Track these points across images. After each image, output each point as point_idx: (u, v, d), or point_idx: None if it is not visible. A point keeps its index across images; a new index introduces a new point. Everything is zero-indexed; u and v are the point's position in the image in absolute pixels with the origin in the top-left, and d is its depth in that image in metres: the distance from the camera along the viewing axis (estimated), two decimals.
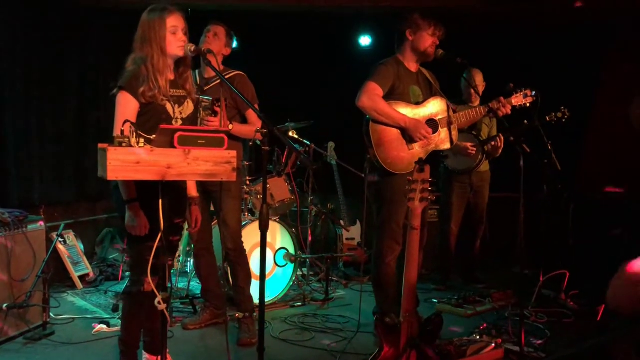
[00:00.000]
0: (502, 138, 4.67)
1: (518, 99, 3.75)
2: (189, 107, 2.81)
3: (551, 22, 5.61)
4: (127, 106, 2.62)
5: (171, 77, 2.75)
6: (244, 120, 3.70)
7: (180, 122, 2.77)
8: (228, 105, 3.46)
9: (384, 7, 5.20)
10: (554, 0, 5.10)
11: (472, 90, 4.73)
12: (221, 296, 3.95)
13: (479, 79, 4.83)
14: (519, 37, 5.75)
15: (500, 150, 4.74)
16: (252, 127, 3.62)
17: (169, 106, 2.71)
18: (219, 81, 3.58)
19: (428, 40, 3.52)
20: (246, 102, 2.75)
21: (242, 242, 3.77)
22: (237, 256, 3.74)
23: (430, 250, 4.96)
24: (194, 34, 2.91)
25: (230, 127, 3.47)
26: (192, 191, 3.03)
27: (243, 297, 3.75)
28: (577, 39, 5.64)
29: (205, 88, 3.64)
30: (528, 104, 3.78)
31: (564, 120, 4.35)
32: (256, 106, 3.64)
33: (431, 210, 5.03)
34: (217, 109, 3.11)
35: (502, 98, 3.69)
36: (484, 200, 5.02)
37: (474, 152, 4.66)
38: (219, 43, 3.64)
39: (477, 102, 4.76)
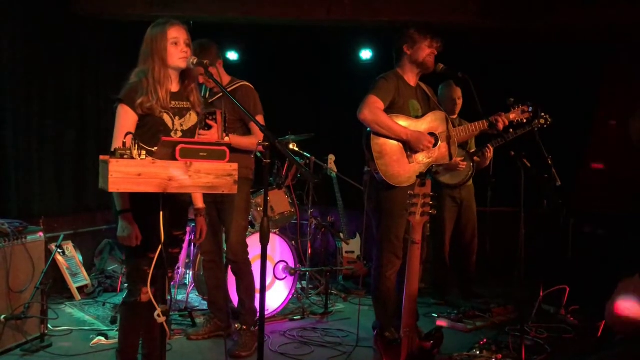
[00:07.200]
0: (491, 148, 4.66)
1: (516, 115, 3.76)
2: (191, 119, 2.82)
3: (550, 39, 5.64)
4: (126, 119, 2.65)
5: (174, 88, 2.77)
6: (249, 131, 3.65)
7: (180, 134, 2.77)
8: (231, 117, 3.39)
9: (383, 21, 5.24)
10: (552, 18, 5.14)
11: (453, 104, 4.77)
12: (225, 312, 3.92)
13: (457, 94, 4.84)
14: (519, 53, 5.77)
15: (489, 161, 4.72)
16: (253, 138, 3.58)
17: (167, 118, 2.72)
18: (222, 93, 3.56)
19: (425, 51, 3.53)
20: (247, 113, 2.71)
21: (247, 255, 3.73)
22: (239, 268, 3.71)
23: (427, 264, 4.94)
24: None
25: (227, 139, 3.42)
26: (199, 203, 3.03)
27: (243, 310, 3.72)
28: (577, 55, 5.67)
29: (210, 100, 3.63)
30: (525, 120, 3.80)
31: (546, 126, 4.27)
32: (261, 117, 3.63)
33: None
34: (211, 122, 3.07)
35: (502, 113, 3.72)
36: (474, 214, 5.00)
37: (464, 166, 4.68)
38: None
39: (456, 116, 4.80)
